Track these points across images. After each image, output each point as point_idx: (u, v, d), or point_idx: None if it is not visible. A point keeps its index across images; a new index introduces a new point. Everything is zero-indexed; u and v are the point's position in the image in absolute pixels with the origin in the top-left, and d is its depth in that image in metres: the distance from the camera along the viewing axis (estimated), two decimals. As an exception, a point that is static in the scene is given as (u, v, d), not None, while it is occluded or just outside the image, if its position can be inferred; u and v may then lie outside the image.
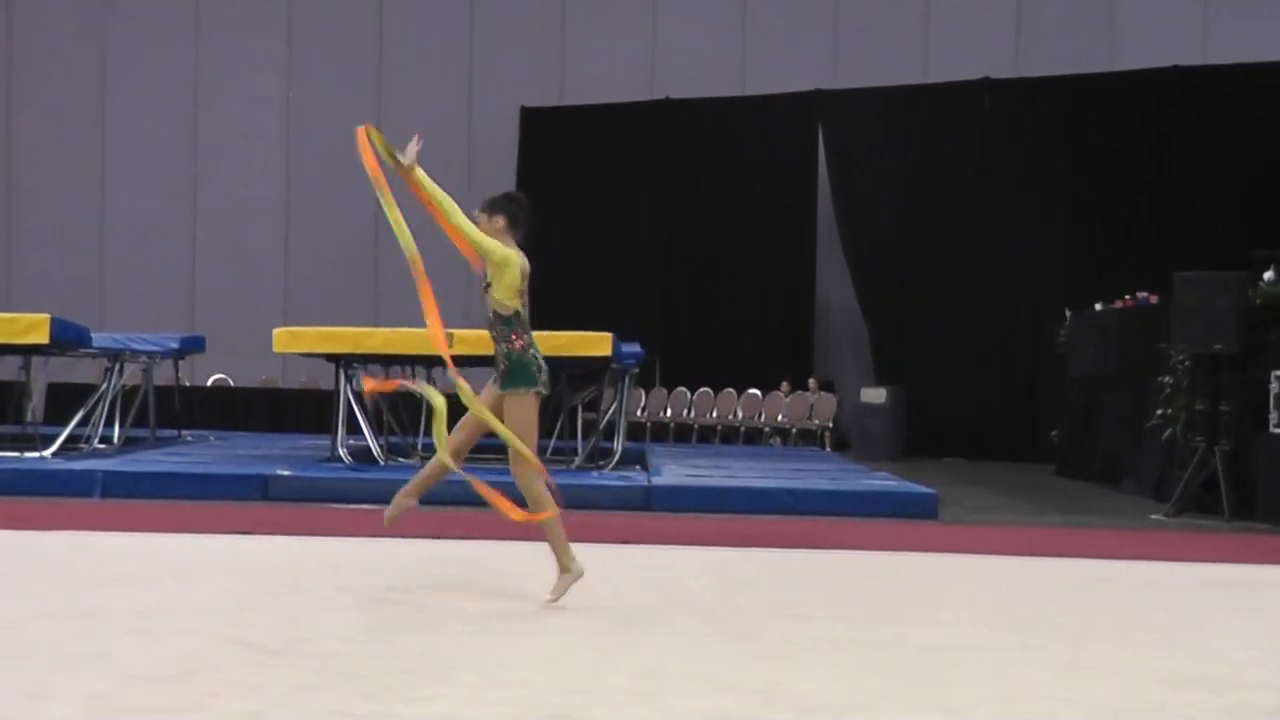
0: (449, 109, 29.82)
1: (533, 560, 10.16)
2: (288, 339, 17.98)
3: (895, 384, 25.38)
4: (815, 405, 26.27)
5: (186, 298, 30.15)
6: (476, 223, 8.80)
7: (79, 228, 30.35)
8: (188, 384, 25.46)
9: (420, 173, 8.72)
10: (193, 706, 5.96)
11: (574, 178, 28.36)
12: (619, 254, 28.08)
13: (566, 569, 8.87)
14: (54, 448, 17.94)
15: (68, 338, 18.03)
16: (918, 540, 12.98)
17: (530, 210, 8.97)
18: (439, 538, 12.24)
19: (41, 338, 17.21)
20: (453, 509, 14.23)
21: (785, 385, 26.52)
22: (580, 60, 29.44)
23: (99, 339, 19.73)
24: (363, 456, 18.03)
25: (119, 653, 7.02)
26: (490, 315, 8.73)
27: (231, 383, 28.29)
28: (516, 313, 8.69)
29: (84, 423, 19.18)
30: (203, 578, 9.68)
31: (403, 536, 12.11)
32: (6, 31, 30.50)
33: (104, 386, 19.67)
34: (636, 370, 19.73)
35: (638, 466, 18.31)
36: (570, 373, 18.16)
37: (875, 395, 24.97)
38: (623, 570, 10.59)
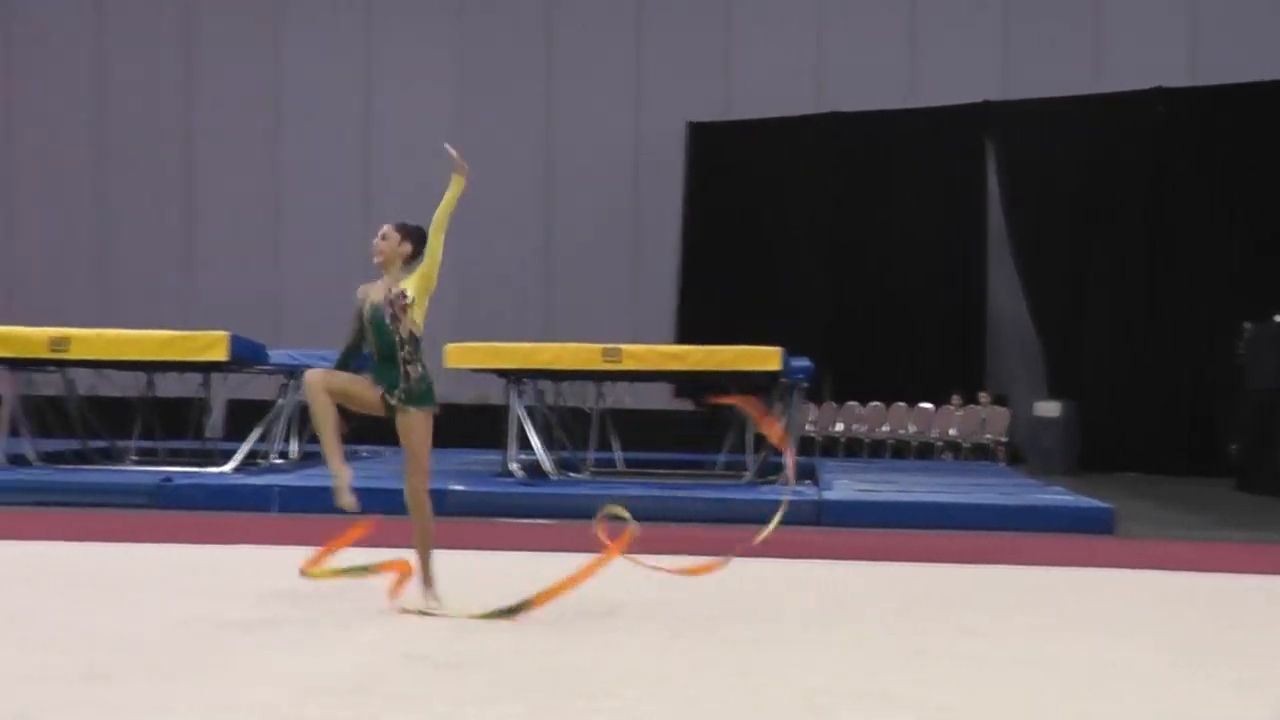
0: (616, 124, 29.96)
1: (706, 577, 10.16)
2: (460, 354, 18.18)
3: (1069, 397, 25.04)
4: (987, 419, 26.00)
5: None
6: (385, 237, 9.05)
7: (256, 246, 30.90)
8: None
9: (460, 179, 9.24)
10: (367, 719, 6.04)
11: (740, 192, 28.35)
12: (787, 268, 28.01)
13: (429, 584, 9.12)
14: (234, 463, 18.29)
15: (245, 355, 18.38)
16: (1093, 556, 12.80)
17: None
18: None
19: (220, 355, 17.56)
20: (646, 525, 14.26)
21: (956, 398, 26.28)
22: (747, 74, 29.42)
23: (275, 356, 20.09)
24: (534, 471, 18.17)
25: (294, 666, 7.14)
26: (403, 336, 8.88)
27: (405, 398, 28.58)
28: (422, 335, 8.95)
29: (262, 438, 19.54)
30: (375, 590, 9.80)
31: (573, 551, 12.18)
32: (187, 59, 31.16)
33: (281, 402, 20.03)
34: (806, 384, 19.68)
35: (808, 481, 18.25)
36: (739, 387, 18.14)
37: (1049, 409, 24.65)
38: (792, 585, 10.55)
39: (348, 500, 8.84)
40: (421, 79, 30.86)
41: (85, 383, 21.71)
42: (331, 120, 30.95)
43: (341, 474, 8.82)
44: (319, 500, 15.87)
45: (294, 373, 20.37)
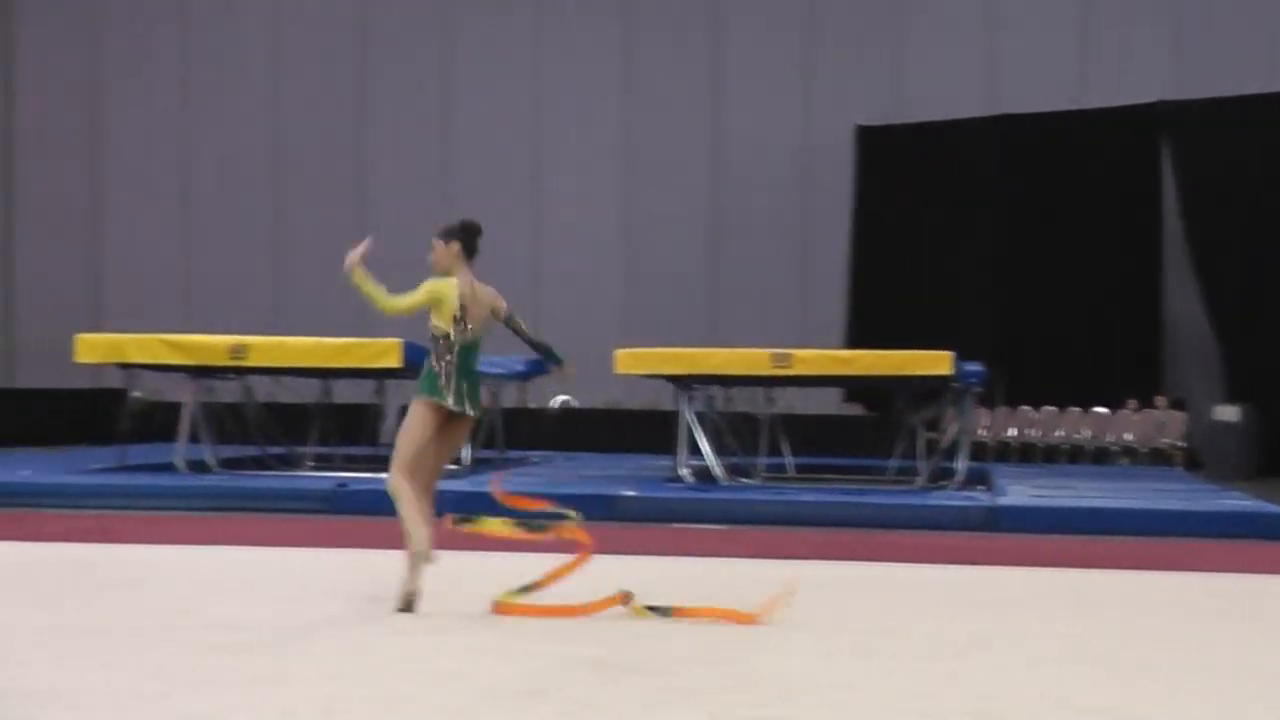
0: (784, 127, 29.89)
1: (881, 582, 10.09)
2: (630, 360, 18.23)
3: (1249, 401, 24.52)
4: (1165, 423, 25.55)
5: (531, 321, 30.69)
6: (432, 249, 9.60)
7: (426, 254, 31.20)
8: (533, 406, 25.99)
9: (357, 275, 9.60)
10: (543, 723, 6.07)
11: (910, 196, 28.13)
12: (958, 272, 27.74)
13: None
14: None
15: (418, 360, 18.52)
16: (1276, 562, 12.52)
17: (479, 236, 9.67)
18: (787, 558, 12.24)
19: (394, 361, 17.77)
20: (817, 530, 14.27)
21: (1133, 403, 25.85)
22: (916, 76, 29.22)
23: (448, 362, 20.25)
24: (704, 476, 18.16)
25: (471, 668, 7.19)
26: (430, 335, 9.44)
27: (575, 404, 28.77)
28: (447, 335, 9.43)
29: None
30: (549, 596, 9.84)
31: (752, 557, 12.18)
32: (359, 75, 31.58)
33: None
34: (978, 389, 19.48)
35: (981, 486, 18.07)
36: (911, 392, 18.01)
37: (1228, 413, 24.16)
38: (965, 591, 10.44)
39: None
40: (587, 86, 31.00)
41: (263, 389, 22.09)
42: (501, 135, 31.18)
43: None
44: (489, 507, 15.99)
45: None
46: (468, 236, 9.59)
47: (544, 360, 9.98)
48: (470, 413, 9.33)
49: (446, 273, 9.47)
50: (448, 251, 9.52)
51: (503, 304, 9.59)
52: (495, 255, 31.90)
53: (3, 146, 31.38)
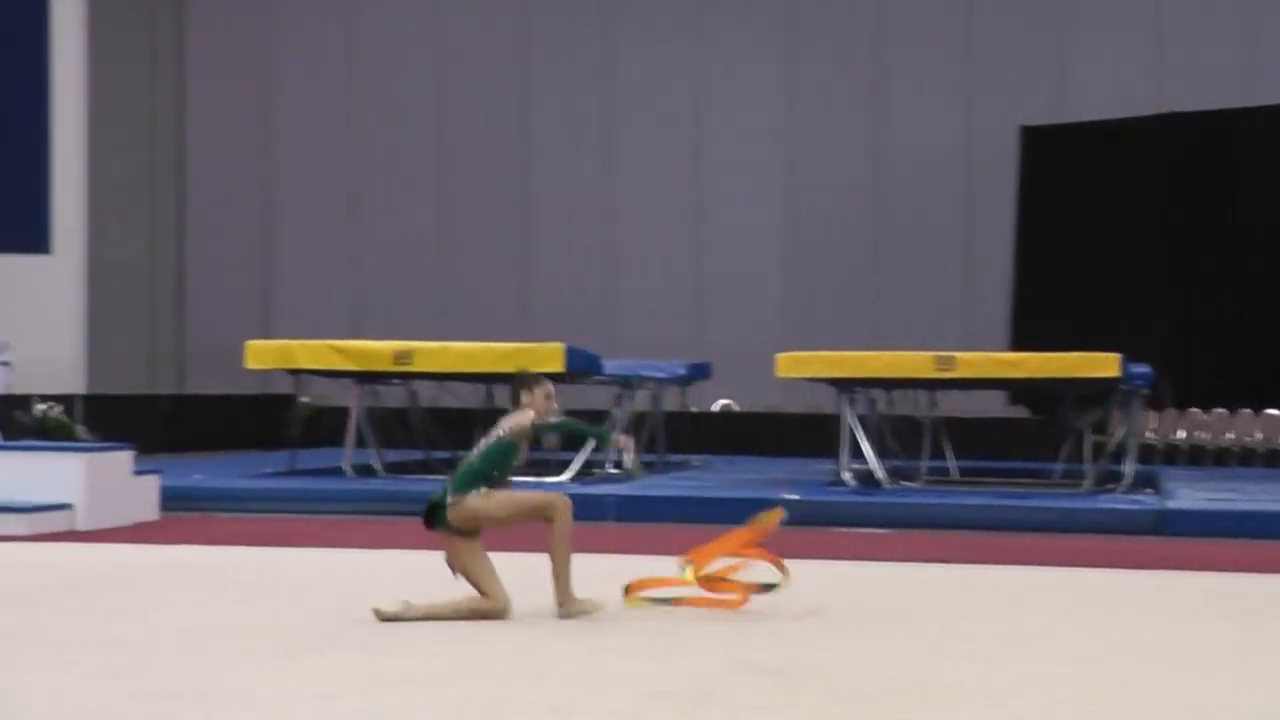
0: (946, 127, 29.65)
1: (1047, 588, 9.98)
2: (791, 364, 18.20)
3: None
4: (1339, 425, 24.97)
5: (692, 325, 30.81)
6: (531, 406, 9.50)
7: (590, 258, 31.38)
8: (694, 409, 26.02)
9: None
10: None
11: (1076, 195, 27.75)
12: (1125, 272, 27.32)
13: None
14: (570, 473, 18.59)
15: (581, 366, 18.68)
16: None
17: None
18: (951, 562, 12.15)
19: (557, 366, 17.87)
20: (982, 534, 14.15)
21: (1306, 404, 25.28)
22: (1081, 75, 28.85)
23: (610, 366, 20.38)
24: (867, 480, 18.07)
25: (638, 672, 7.22)
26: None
27: (736, 407, 28.76)
28: (516, 446, 9.41)
29: (597, 448, 19.81)
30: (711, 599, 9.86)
31: (915, 561, 12.10)
32: (522, 79, 31.81)
33: (616, 412, 20.31)
34: (1146, 391, 19.19)
35: (1149, 490, 17.79)
36: (1078, 394, 17.78)
37: (1405, 414, 23.57)
38: (1133, 596, 10.29)
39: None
40: (749, 88, 30.97)
41: (427, 394, 22.32)
42: (663, 135, 31.25)
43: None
44: (655, 510, 16.06)
45: (629, 383, 20.66)
46: (542, 379, 9.78)
47: (587, 438, 9.98)
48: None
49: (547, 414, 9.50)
50: (547, 404, 9.59)
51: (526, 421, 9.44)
52: (656, 258, 31.99)
53: (175, 156, 32.01)
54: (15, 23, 29.04)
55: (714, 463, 23.38)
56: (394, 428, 20.38)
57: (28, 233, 27.68)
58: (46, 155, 28.87)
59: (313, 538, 13.64)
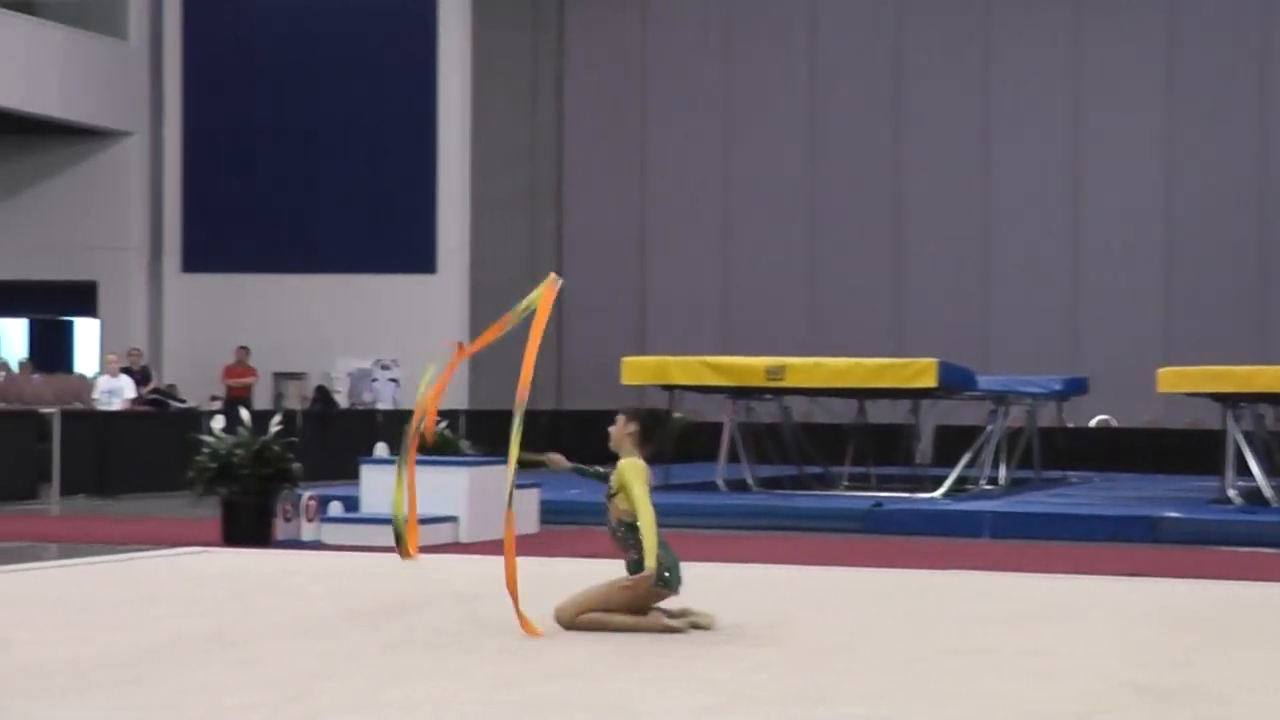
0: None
1: None
2: (1173, 379, 17.74)
3: None
4: None
5: (1069, 338, 30.22)
6: (615, 424, 8.93)
7: (964, 273, 31.04)
8: (1070, 425, 25.53)
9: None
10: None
11: None
12: None
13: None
14: (943, 489, 18.43)
15: (954, 381, 18.52)
16: None
17: (666, 429, 9.10)
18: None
19: (929, 381, 17.77)
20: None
21: None
22: None
23: (984, 382, 20.15)
24: (1253, 498, 17.45)
25: (1014, 691, 7.11)
26: (613, 522, 8.75)
27: (1114, 423, 28.09)
28: (636, 522, 8.62)
29: (971, 464, 19.62)
30: (1093, 619, 9.66)
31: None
32: (895, 90, 31.68)
33: (990, 428, 20.06)
34: None
35: None
36: None
37: None
38: None
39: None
40: (1127, 102, 30.24)
41: (800, 409, 22.39)
42: (1039, 147, 30.73)
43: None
44: (1031, 526, 15.80)
45: (1003, 398, 20.38)
46: (650, 422, 9.03)
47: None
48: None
49: (618, 449, 8.90)
50: (624, 430, 8.90)
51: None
52: (1031, 271, 31.49)
53: (553, 177, 32.77)
54: (404, 51, 30.19)
55: (1091, 479, 22.90)
56: (766, 443, 20.49)
57: (415, 253, 28.70)
58: (433, 178, 29.90)
59: (686, 551, 13.78)
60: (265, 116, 30.04)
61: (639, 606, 8.69)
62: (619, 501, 8.69)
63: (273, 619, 9.02)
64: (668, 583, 8.67)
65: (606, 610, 8.65)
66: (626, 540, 8.68)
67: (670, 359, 19.33)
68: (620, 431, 8.89)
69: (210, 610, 9.50)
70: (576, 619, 8.66)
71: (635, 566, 8.64)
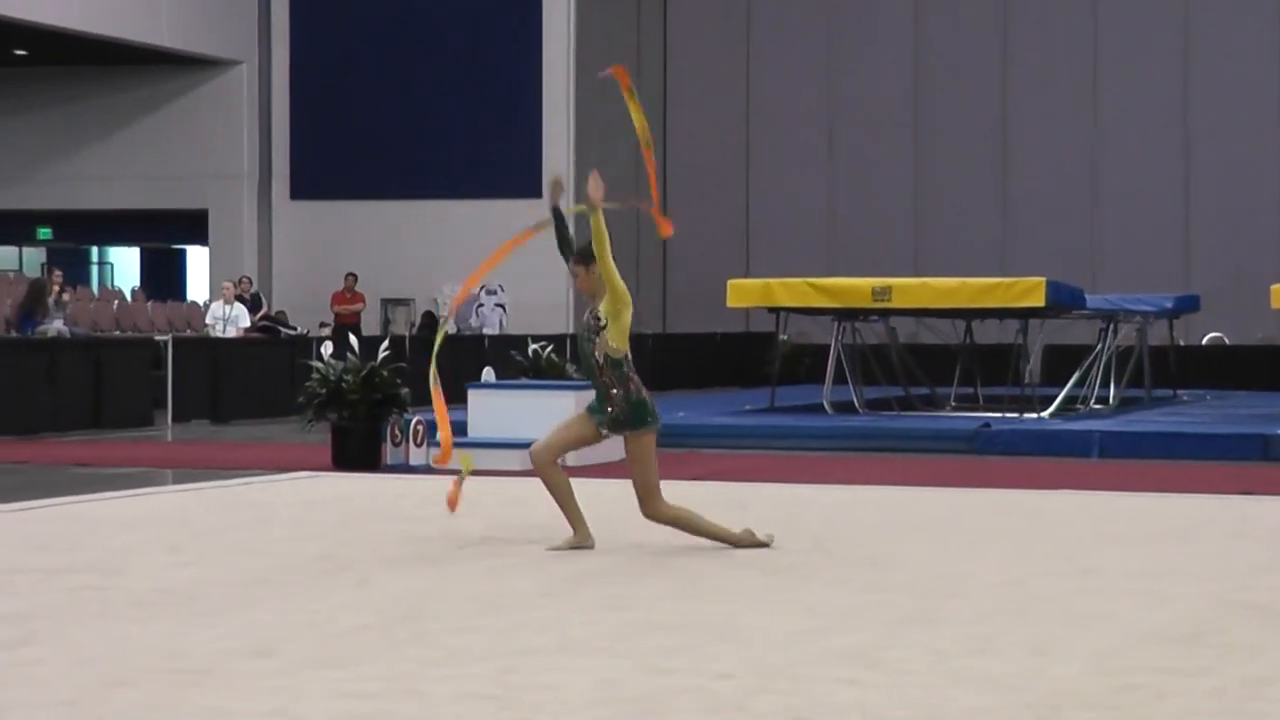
0: None
1: None
2: (1289, 295, 17.49)
3: None
4: None
5: (1179, 256, 29.83)
6: (576, 275, 8.83)
7: (1071, 191, 30.67)
8: (1182, 343, 25.26)
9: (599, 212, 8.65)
10: (1201, 670, 5.91)
11: None
12: None
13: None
14: (1052, 409, 18.31)
15: (1062, 300, 18.35)
16: None
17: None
18: None
19: (1038, 301, 17.61)
20: None
21: None
22: None
23: (1093, 300, 19.96)
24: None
25: (1123, 612, 7.08)
26: (598, 360, 8.64)
27: (1227, 341, 27.76)
28: (626, 356, 8.65)
29: (1080, 384, 19.46)
30: (1203, 538, 9.59)
31: None
32: (1004, 10, 31.27)
33: (1099, 347, 19.88)
34: None
35: None
36: None
37: None
38: None
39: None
40: (1241, 14, 29.69)
41: (906, 330, 22.26)
42: (1148, 63, 30.25)
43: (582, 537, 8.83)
44: (1141, 445, 15.66)
45: (1113, 318, 20.19)
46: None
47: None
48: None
49: (593, 297, 8.76)
50: (590, 276, 8.73)
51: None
52: (1142, 189, 31.03)
53: (657, 97, 32.63)
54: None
55: (1203, 397, 22.66)
56: (872, 364, 20.42)
57: (520, 178, 28.69)
58: (538, 103, 29.85)
59: (793, 473, 13.80)
60: (371, 43, 30.11)
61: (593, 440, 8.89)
62: (608, 336, 8.64)
63: (381, 543, 9.13)
64: (652, 425, 8.69)
65: (647, 481, 8.66)
66: (613, 377, 8.64)
67: (775, 281, 19.27)
68: (588, 278, 8.76)
69: (321, 534, 9.63)
70: (663, 513, 8.72)
71: (617, 410, 8.61)
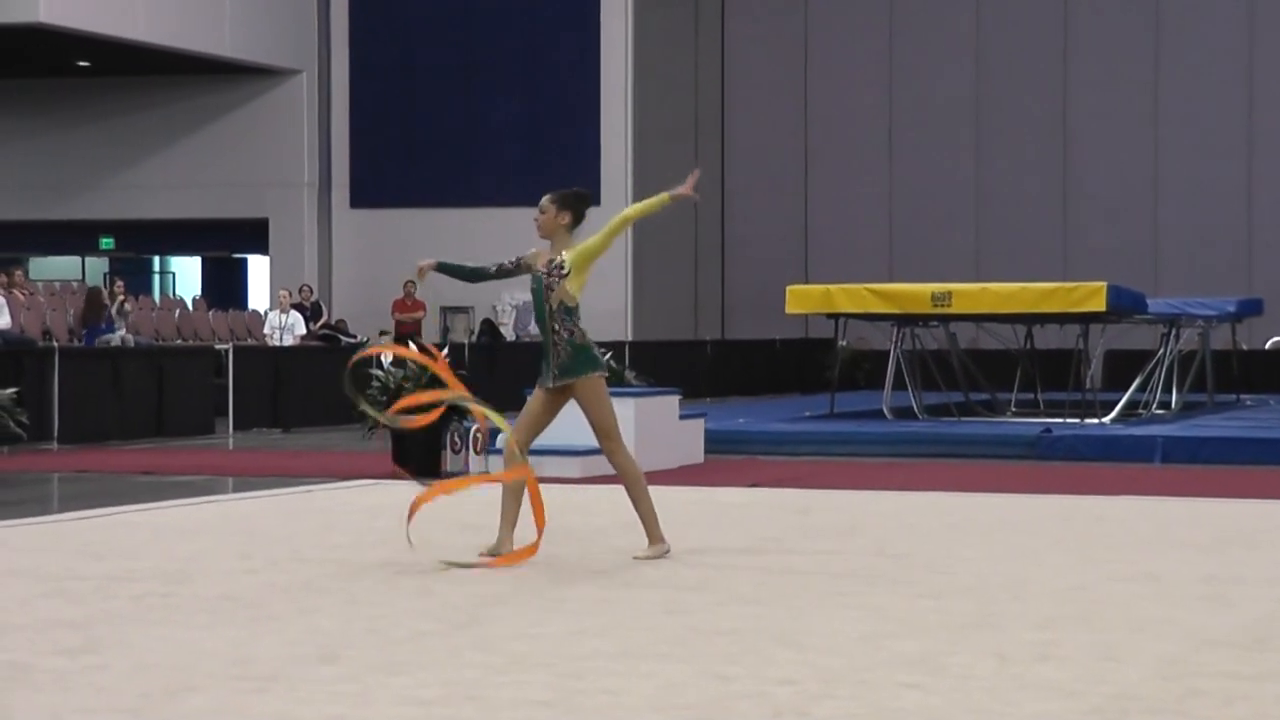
0: None
1: None
2: None
3: None
4: None
5: (1242, 258, 29.61)
6: (544, 212, 8.71)
7: (1132, 194, 30.49)
8: (1245, 347, 25.10)
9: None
10: (1268, 675, 5.86)
11: None
12: None
13: (656, 540, 8.78)
14: (1114, 414, 18.21)
15: (1124, 304, 18.25)
16: None
17: (587, 201, 8.90)
18: None
19: (1098, 305, 17.52)
20: None
21: None
22: None
23: (1154, 305, 19.85)
24: None
25: (1188, 617, 7.03)
26: (552, 306, 8.63)
27: (1289, 345, 27.58)
28: (577, 304, 8.65)
29: (1141, 389, 19.35)
30: (1268, 544, 9.52)
31: None
32: (1066, 18, 31.11)
33: (1161, 352, 19.77)
34: None
35: None
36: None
37: None
38: None
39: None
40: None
41: (966, 336, 22.18)
42: (1209, 63, 30.05)
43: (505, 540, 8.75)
44: (1204, 451, 15.55)
45: (1175, 322, 20.07)
46: (581, 206, 8.81)
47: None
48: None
49: (548, 238, 8.75)
50: (557, 220, 8.69)
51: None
52: (1204, 192, 30.83)
53: (716, 105, 32.60)
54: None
55: (1267, 402, 22.48)
56: (932, 370, 20.35)
57: (580, 186, 28.75)
58: (597, 110, 29.89)
59: (853, 479, 13.77)
60: (429, 52, 30.21)
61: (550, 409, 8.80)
62: (568, 283, 8.61)
63: (442, 549, 9.15)
64: (600, 367, 8.69)
65: (605, 424, 8.66)
66: (562, 324, 8.60)
67: (835, 287, 19.23)
68: (552, 222, 8.72)
69: (382, 541, 9.67)
70: (619, 460, 8.72)
71: (563, 356, 8.58)
